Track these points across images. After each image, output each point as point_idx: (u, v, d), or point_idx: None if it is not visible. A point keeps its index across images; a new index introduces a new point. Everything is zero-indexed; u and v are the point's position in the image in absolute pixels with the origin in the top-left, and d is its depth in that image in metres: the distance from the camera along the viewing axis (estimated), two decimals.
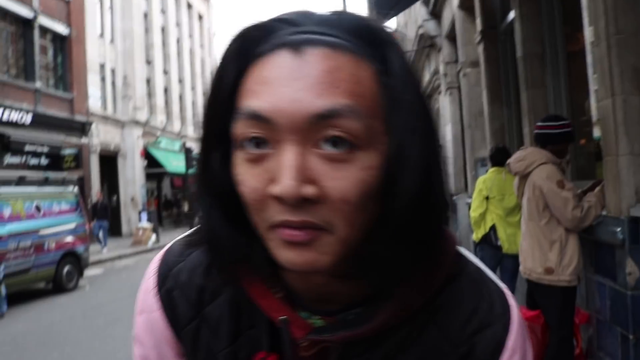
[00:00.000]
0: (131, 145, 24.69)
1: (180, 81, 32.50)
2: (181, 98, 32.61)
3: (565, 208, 3.50)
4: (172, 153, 28.55)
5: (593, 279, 3.83)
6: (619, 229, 3.31)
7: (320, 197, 0.56)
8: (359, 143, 0.56)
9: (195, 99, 35.00)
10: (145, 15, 27.69)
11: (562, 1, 5.41)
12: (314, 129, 0.55)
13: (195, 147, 29.70)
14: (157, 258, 0.78)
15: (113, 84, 24.49)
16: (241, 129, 0.58)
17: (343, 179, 0.56)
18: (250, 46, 0.60)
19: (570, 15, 5.42)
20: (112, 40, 24.51)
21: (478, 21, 7.47)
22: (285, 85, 0.56)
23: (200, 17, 37.38)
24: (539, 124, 4.00)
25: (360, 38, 0.59)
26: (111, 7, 24.64)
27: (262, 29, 0.61)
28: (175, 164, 27.27)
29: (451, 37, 10.35)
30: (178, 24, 32.72)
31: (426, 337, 0.67)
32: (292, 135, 0.56)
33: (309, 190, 0.55)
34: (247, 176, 0.58)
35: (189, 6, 35.11)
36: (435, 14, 11.47)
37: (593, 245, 3.81)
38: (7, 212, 9.71)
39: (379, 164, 0.58)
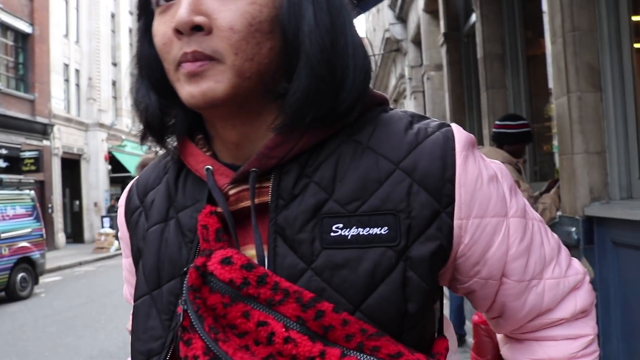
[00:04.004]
0: (95, 149, 24.14)
1: None
2: None
3: None
4: (137, 157, 28.02)
5: None
6: (573, 229, 3.24)
7: (210, 27, 0.65)
8: None
9: None
10: (113, 16, 27.21)
11: (524, 3, 5.39)
12: None
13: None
14: None
15: (77, 85, 23.95)
16: None
17: (230, 11, 0.65)
18: None
19: (531, 20, 5.40)
20: (77, 41, 23.99)
21: (442, 24, 7.44)
22: None
23: None
24: (497, 122, 3.95)
25: None
26: (77, 7, 24.13)
27: None
28: None
29: (417, 41, 10.34)
30: None
31: (362, 161, 0.69)
32: None
33: (199, 19, 0.65)
34: (158, 26, 0.70)
35: None
36: (402, 17, 11.46)
37: None
38: None
39: (265, 2, 0.67)
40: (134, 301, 0.79)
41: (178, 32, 0.66)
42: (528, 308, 0.73)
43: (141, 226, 0.81)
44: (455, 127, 0.72)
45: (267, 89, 0.71)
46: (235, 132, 0.73)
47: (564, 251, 0.76)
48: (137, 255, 0.81)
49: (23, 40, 19.49)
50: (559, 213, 3.52)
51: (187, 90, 0.67)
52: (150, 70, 0.75)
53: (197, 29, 0.65)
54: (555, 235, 0.77)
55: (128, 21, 29.08)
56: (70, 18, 23.56)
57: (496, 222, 0.70)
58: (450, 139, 0.70)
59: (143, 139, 0.79)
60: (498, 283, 0.72)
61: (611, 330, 3.10)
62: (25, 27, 19.23)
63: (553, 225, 3.53)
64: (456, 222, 0.67)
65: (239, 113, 0.71)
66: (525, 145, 3.98)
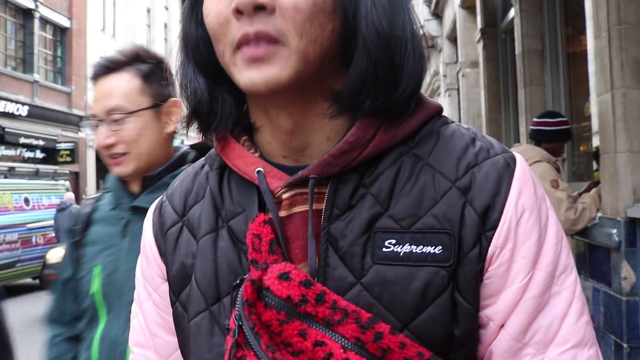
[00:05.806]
0: None
1: None
2: None
3: (558, 209, 3.32)
4: None
5: (586, 284, 3.64)
6: (614, 231, 3.12)
7: (273, 6, 0.61)
8: None
9: None
10: (148, 11, 27.57)
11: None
12: None
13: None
14: None
15: None
16: None
17: None
18: None
19: (572, 15, 5.25)
20: (113, 35, 24.37)
21: (478, 19, 7.31)
22: None
23: None
24: (535, 120, 3.84)
25: None
26: (113, 1, 24.52)
27: None
28: None
29: (452, 37, 10.20)
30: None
31: (420, 176, 0.66)
32: None
33: None
34: (211, 4, 0.65)
35: None
36: (437, 14, 11.32)
37: (587, 248, 3.62)
38: None
39: None
40: (190, 320, 0.73)
41: (238, 11, 0.61)
42: None
43: (185, 241, 0.75)
44: (519, 157, 0.69)
45: (325, 74, 0.67)
46: (290, 121, 0.68)
47: (593, 350, 0.66)
48: (180, 274, 0.75)
49: (61, 34, 19.87)
50: (599, 214, 3.40)
51: (247, 77, 0.63)
52: (197, 52, 0.71)
53: (259, 8, 0.61)
54: (592, 332, 0.67)
55: (163, 16, 29.42)
56: (107, 12, 23.93)
57: (523, 265, 0.65)
58: (511, 165, 0.67)
59: (188, 125, 0.75)
60: (497, 331, 0.66)
61: None
62: (63, 22, 19.60)
63: (592, 226, 3.41)
64: (491, 248, 0.65)
65: (296, 100, 0.67)
66: (564, 143, 3.87)
